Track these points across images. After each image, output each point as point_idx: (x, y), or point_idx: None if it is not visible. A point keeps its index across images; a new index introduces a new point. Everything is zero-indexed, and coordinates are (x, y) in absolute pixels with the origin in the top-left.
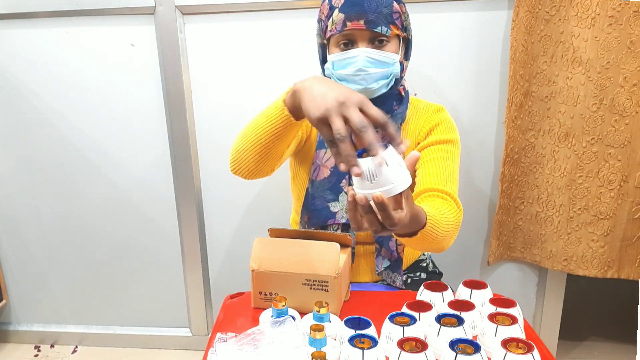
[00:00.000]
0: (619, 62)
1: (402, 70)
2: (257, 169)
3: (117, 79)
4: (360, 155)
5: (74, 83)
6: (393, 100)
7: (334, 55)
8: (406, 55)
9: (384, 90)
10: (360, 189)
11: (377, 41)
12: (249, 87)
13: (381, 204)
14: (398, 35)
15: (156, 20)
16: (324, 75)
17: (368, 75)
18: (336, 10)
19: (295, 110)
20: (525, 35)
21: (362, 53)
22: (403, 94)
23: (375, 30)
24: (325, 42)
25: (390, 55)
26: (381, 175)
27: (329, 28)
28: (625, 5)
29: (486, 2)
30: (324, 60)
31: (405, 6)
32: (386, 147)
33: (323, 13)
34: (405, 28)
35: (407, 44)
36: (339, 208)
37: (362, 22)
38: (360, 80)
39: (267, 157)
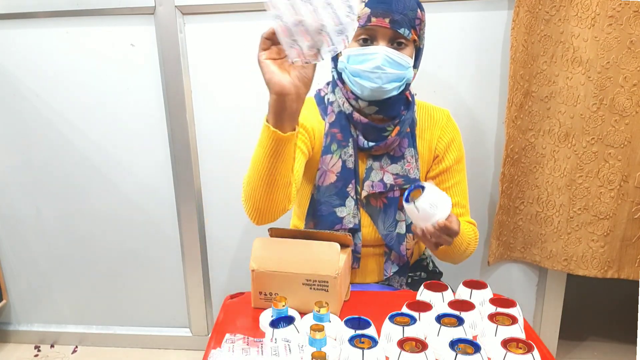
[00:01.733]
0: (619, 62)
1: (412, 77)
2: (267, 205)
3: (117, 79)
4: (409, 194)
5: (74, 83)
6: (401, 104)
7: (351, 49)
8: (416, 63)
9: (395, 93)
10: (424, 222)
11: (396, 43)
12: (249, 87)
13: (444, 227)
14: (414, 42)
15: (156, 20)
16: (336, 69)
17: (385, 74)
18: (362, 5)
19: (280, 121)
20: (525, 35)
21: (383, 51)
22: (410, 98)
23: (398, 31)
24: None
25: (407, 59)
26: (439, 202)
27: None
28: (625, 5)
29: (486, 2)
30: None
31: (425, 15)
32: (420, 186)
33: None
34: (420, 37)
35: (418, 52)
36: (345, 213)
37: (387, 20)
38: (375, 78)
39: (274, 187)
